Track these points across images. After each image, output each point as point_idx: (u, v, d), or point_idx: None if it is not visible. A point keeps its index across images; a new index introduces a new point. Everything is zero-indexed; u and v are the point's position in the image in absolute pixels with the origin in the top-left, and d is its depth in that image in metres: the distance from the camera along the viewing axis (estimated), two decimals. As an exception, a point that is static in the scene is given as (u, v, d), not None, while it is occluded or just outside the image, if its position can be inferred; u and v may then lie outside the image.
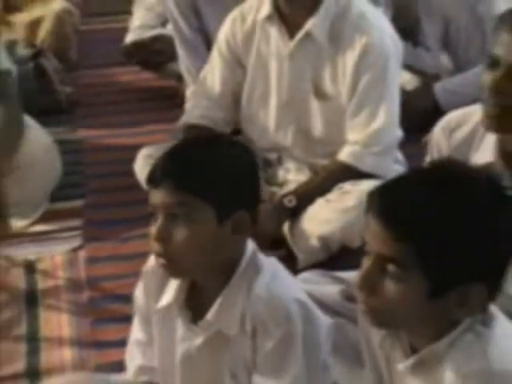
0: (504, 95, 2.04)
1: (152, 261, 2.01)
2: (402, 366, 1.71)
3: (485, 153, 2.15)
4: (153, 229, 1.85)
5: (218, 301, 1.90)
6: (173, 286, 1.97)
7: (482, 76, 2.09)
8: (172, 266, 1.86)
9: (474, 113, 2.19)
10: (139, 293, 2.05)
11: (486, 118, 2.09)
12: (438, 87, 3.63)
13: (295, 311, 1.87)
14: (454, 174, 1.66)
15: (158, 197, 1.83)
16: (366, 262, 1.62)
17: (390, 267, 1.59)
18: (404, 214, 1.58)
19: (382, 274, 1.60)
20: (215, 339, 1.93)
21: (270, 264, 1.95)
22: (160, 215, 1.83)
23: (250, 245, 1.94)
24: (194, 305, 1.96)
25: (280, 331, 1.86)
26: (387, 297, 1.60)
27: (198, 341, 1.94)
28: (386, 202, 1.61)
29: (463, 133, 2.23)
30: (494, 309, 1.67)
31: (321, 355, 1.97)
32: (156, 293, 2.00)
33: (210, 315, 1.91)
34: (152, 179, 1.85)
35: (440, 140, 2.26)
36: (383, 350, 1.79)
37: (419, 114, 3.41)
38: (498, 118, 2.07)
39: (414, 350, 1.70)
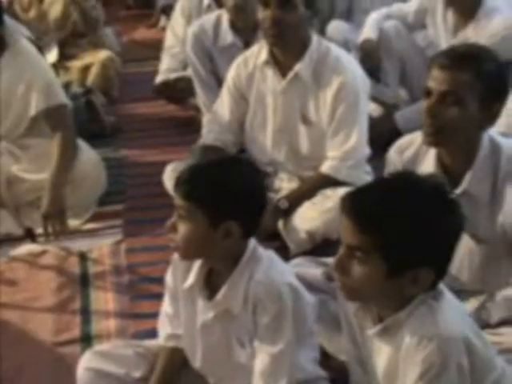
0: (437, 118, 2.03)
1: (178, 251, 2.02)
2: (371, 331, 1.70)
3: (427, 166, 2.15)
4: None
5: (226, 285, 1.91)
6: (194, 271, 1.97)
7: (416, 107, 2.10)
8: (178, 250, 1.93)
9: (418, 137, 2.19)
10: (169, 276, 2.06)
11: (425, 136, 2.09)
12: (398, 115, 3.62)
13: (286, 292, 1.88)
14: (407, 181, 1.67)
15: (176, 200, 1.90)
16: (340, 250, 1.64)
17: (357, 254, 1.60)
18: (367, 213, 1.59)
19: (351, 259, 1.61)
20: (224, 314, 1.94)
21: (268, 255, 1.95)
22: (175, 214, 1.89)
23: (252, 241, 1.94)
24: (211, 285, 1.96)
25: (275, 308, 1.86)
26: (355, 276, 1.61)
27: (211, 315, 1.95)
28: (354, 204, 1.62)
29: (410, 152, 2.22)
30: (441, 286, 1.67)
31: (307, 326, 1.96)
32: (182, 276, 2.00)
33: (219, 296, 1.92)
34: (175, 186, 1.91)
35: (393, 158, 2.25)
36: (357, 319, 1.79)
37: (383, 136, 3.39)
38: (434, 136, 2.06)
39: (380, 319, 1.69)
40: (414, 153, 2.21)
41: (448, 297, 1.67)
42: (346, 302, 1.80)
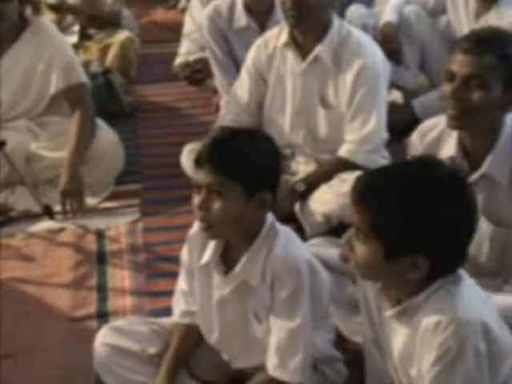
0: (461, 101, 2.03)
1: (195, 228, 2.01)
2: (388, 313, 1.70)
3: (449, 149, 2.14)
4: (196, 199, 1.85)
5: (245, 257, 1.90)
6: (210, 248, 1.96)
7: (442, 87, 2.09)
8: (209, 229, 1.87)
9: (441, 121, 2.18)
10: (184, 253, 2.05)
11: (448, 119, 2.08)
12: (415, 102, 3.59)
13: (305, 269, 1.87)
14: (418, 168, 1.65)
15: (201, 176, 1.84)
16: (350, 230, 1.66)
17: (360, 234, 1.62)
18: (366, 195, 1.61)
19: (356, 238, 1.63)
20: (241, 288, 1.93)
21: (285, 231, 1.94)
22: (203, 190, 1.83)
23: (270, 216, 1.93)
24: (226, 261, 1.96)
25: (293, 283, 1.86)
26: (357, 255, 1.63)
27: (228, 289, 1.94)
28: (358, 184, 1.64)
29: (433, 135, 2.22)
30: (461, 271, 1.65)
31: (324, 304, 1.96)
32: (198, 253, 2.00)
33: (238, 268, 1.91)
34: (197, 161, 1.85)
35: (415, 142, 2.25)
36: (376, 301, 1.78)
37: (400, 122, 3.36)
38: (457, 118, 2.05)
39: (398, 302, 1.69)
40: (436, 136, 2.21)
41: (467, 282, 1.66)
42: (364, 283, 1.80)
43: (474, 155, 2.10)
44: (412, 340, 1.65)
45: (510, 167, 2.07)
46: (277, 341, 1.89)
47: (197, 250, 2.00)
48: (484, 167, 2.07)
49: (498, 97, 2.02)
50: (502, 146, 2.07)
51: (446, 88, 2.06)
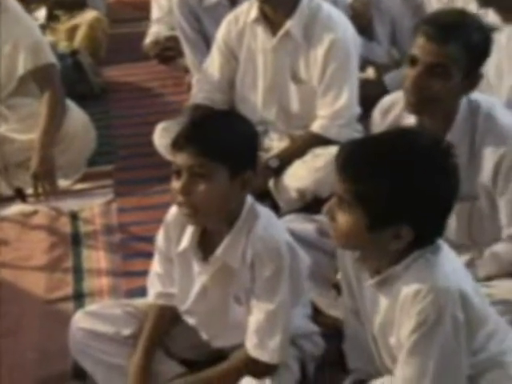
0: (422, 89, 2.02)
1: (172, 213, 1.98)
2: (368, 282, 1.70)
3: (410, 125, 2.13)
4: (176, 184, 1.82)
5: (226, 240, 1.88)
6: (188, 234, 1.94)
7: (405, 70, 2.07)
8: (192, 214, 1.84)
9: (401, 98, 2.15)
10: (160, 237, 2.03)
11: (407, 104, 2.07)
12: (387, 77, 3.58)
13: (284, 250, 1.86)
14: (404, 139, 1.64)
15: (181, 159, 1.80)
16: (331, 199, 1.65)
17: (342, 203, 1.61)
18: (350, 164, 1.60)
19: (338, 207, 1.62)
20: (222, 272, 1.92)
21: (265, 212, 1.93)
22: (184, 173, 1.80)
23: (249, 197, 1.91)
24: (205, 247, 1.94)
25: (273, 264, 1.85)
26: (339, 224, 1.62)
27: (209, 274, 1.93)
28: (342, 153, 1.63)
29: (394, 113, 2.21)
30: (440, 241, 1.65)
31: (301, 283, 1.96)
32: (176, 240, 1.98)
33: (219, 251, 1.89)
34: (176, 144, 1.82)
35: (377, 120, 2.25)
36: (354, 271, 1.78)
37: (372, 97, 3.33)
38: (416, 105, 2.05)
39: (378, 272, 1.69)
40: (397, 114, 2.21)
41: (446, 251, 1.66)
42: (343, 254, 1.79)
43: (432, 133, 2.07)
44: (392, 309, 1.65)
45: (467, 144, 2.07)
46: (256, 322, 1.88)
47: (175, 237, 1.98)
48: None
49: (457, 84, 2.01)
50: (459, 126, 2.07)
51: (409, 73, 2.04)
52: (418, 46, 2.00)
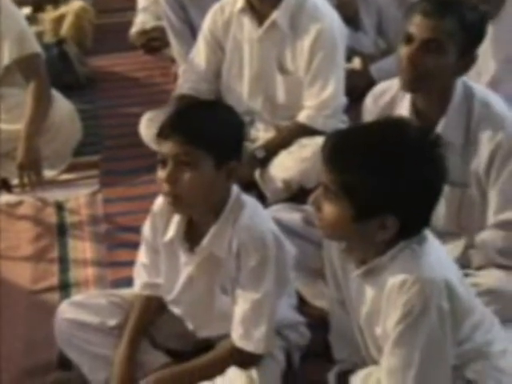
0: (417, 65, 2.02)
1: (159, 203, 1.97)
2: (355, 273, 1.69)
3: (402, 112, 2.13)
4: (162, 173, 1.80)
5: (212, 230, 1.87)
6: (174, 224, 1.93)
7: (399, 50, 2.07)
8: (177, 203, 1.82)
9: (393, 84, 2.18)
10: (147, 228, 2.02)
11: (402, 82, 2.07)
12: (373, 68, 3.57)
13: (270, 239, 1.85)
14: (390, 128, 1.63)
15: (167, 147, 1.78)
16: (318, 189, 1.66)
17: (328, 193, 1.60)
18: (336, 153, 1.59)
19: (324, 197, 1.62)
20: (208, 261, 1.91)
21: (251, 202, 1.92)
22: (169, 162, 1.78)
23: (235, 187, 1.90)
24: (191, 237, 1.93)
25: (258, 254, 1.84)
26: (325, 215, 1.61)
27: (195, 264, 1.92)
28: (328, 142, 1.62)
29: (386, 98, 2.21)
30: (426, 232, 1.65)
31: (287, 274, 1.95)
32: (162, 230, 1.97)
33: (205, 241, 1.88)
34: (162, 133, 1.80)
35: (369, 106, 2.25)
36: (340, 262, 1.77)
37: (359, 87, 3.33)
38: (412, 83, 2.05)
39: (363, 263, 1.68)
40: (389, 99, 2.21)
41: (431, 241, 1.66)
42: (329, 244, 1.79)
43: (427, 118, 2.10)
44: (378, 299, 1.65)
45: (463, 129, 2.08)
46: (241, 312, 1.88)
47: (161, 227, 1.97)
48: (438, 128, 2.07)
49: (452, 63, 2.01)
50: (454, 109, 2.07)
51: (403, 51, 2.04)
52: (415, 24, 2.02)
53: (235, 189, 1.90)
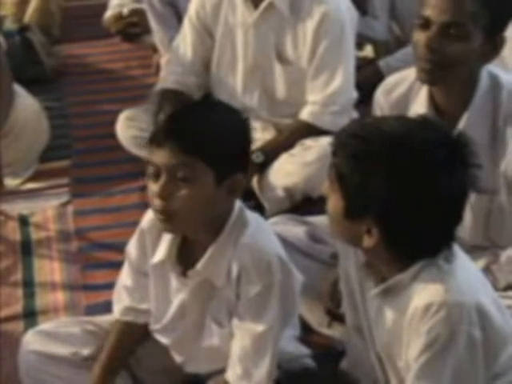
0: (437, 52, 2.02)
1: (148, 219, 1.96)
2: (373, 292, 1.71)
3: (418, 106, 2.14)
4: (154, 186, 1.78)
5: (209, 252, 1.86)
6: (164, 244, 1.92)
7: (414, 36, 2.07)
8: (170, 221, 1.81)
9: (408, 75, 2.18)
10: (132, 247, 2.01)
11: (420, 73, 2.07)
12: (381, 63, 3.59)
13: (276, 264, 1.84)
14: (403, 128, 1.65)
15: (161, 157, 1.76)
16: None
17: (330, 181, 1.67)
18: (342, 143, 1.64)
19: (330, 185, 1.68)
20: (202, 288, 1.90)
21: (255, 219, 1.91)
22: (163, 174, 1.76)
23: (238, 202, 1.89)
24: (184, 259, 1.92)
25: (261, 281, 1.83)
26: (328, 206, 1.69)
27: (187, 290, 1.91)
28: (340, 133, 1.67)
29: (400, 91, 2.22)
30: (455, 247, 1.65)
31: (293, 303, 1.95)
32: (151, 250, 1.96)
33: (200, 265, 1.87)
34: (155, 139, 1.78)
35: (380, 99, 2.25)
36: (358, 279, 1.80)
37: (370, 79, 3.34)
38: (431, 72, 2.05)
39: (384, 280, 1.69)
40: (403, 92, 2.21)
41: (462, 258, 1.66)
42: (346, 256, 1.80)
43: (447, 113, 2.10)
44: (399, 325, 1.65)
45: (489, 124, 2.08)
46: (241, 348, 1.86)
47: (150, 246, 1.95)
48: (460, 126, 2.07)
49: (477, 48, 2.02)
50: (479, 102, 2.07)
51: (419, 37, 2.04)
52: (431, 6, 2.02)
53: (238, 204, 1.89)
